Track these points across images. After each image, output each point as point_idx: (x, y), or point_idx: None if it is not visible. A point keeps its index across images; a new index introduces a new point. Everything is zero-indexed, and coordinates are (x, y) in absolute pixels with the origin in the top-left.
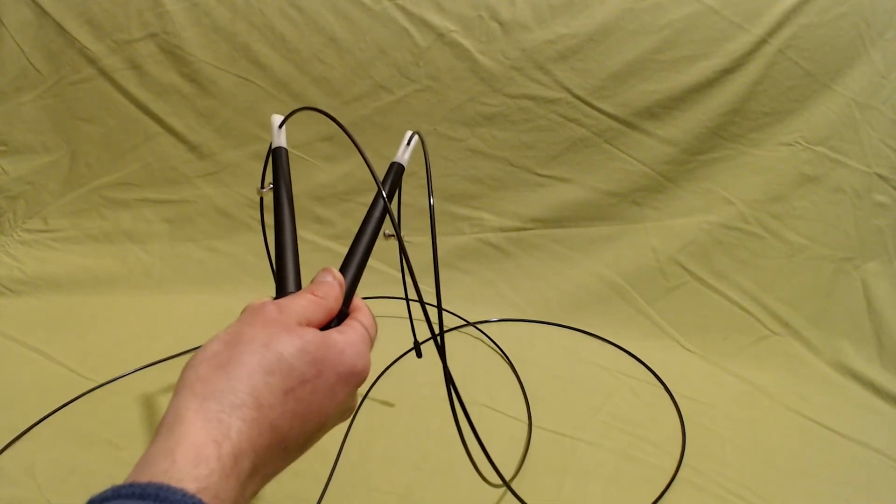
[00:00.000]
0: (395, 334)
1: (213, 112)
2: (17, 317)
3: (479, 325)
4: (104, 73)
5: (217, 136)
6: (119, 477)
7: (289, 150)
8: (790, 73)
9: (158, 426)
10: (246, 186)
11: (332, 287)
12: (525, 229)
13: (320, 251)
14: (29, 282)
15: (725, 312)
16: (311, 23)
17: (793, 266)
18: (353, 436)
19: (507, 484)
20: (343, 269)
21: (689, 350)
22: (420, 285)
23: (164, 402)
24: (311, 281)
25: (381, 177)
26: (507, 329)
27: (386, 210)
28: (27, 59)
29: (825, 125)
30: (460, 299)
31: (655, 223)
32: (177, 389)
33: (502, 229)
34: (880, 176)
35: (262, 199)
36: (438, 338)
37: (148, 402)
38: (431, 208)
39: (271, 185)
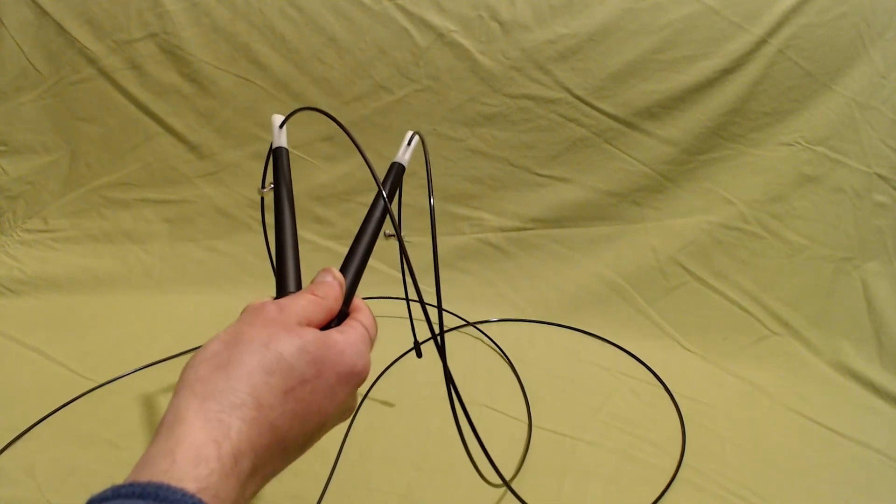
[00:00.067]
0: (395, 334)
1: (213, 112)
2: (17, 317)
3: (479, 325)
4: (104, 73)
5: (217, 136)
6: (119, 477)
7: (289, 150)
8: (790, 73)
9: (158, 426)
10: (246, 186)
11: (332, 287)
12: (525, 229)
13: (320, 251)
14: (29, 282)
15: (725, 312)
16: (311, 23)
17: (793, 266)
18: (353, 436)
19: (507, 484)
20: (343, 269)
21: (689, 350)
22: (420, 285)
23: (164, 402)
24: (312, 281)
25: (381, 177)
26: (507, 329)
27: (386, 210)
28: (27, 59)
29: (825, 125)
30: (460, 299)
31: (655, 223)
32: (177, 389)
33: (502, 229)
34: (880, 176)
35: (262, 198)
36: (438, 338)
37: (148, 402)
38: (432, 208)
39: (272, 185)
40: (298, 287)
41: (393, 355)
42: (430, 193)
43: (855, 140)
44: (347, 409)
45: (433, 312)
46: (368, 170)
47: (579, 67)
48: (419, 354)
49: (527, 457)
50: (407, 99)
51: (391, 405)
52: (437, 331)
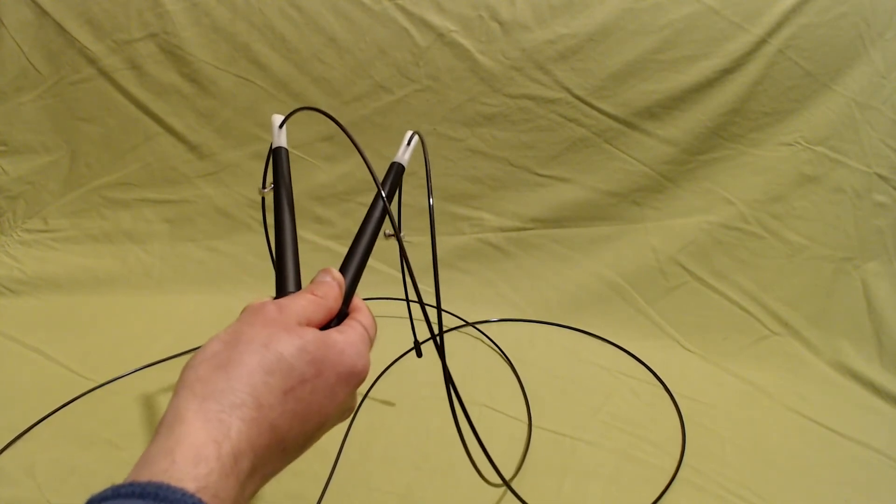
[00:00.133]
0: (395, 334)
1: (213, 112)
2: (17, 317)
3: (479, 325)
4: (104, 73)
5: (217, 136)
6: (119, 477)
7: (289, 150)
8: (790, 73)
9: (158, 426)
10: (246, 186)
11: (331, 287)
12: (525, 229)
13: (320, 251)
14: (29, 282)
15: (725, 312)
16: (311, 23)
17: (793, 266)
18: (353, 436)
19: (507, 483)
20: (343, 270)
21: (689, 350)
22: (420, 285)
23: (164, 402)
24: (311, 281)
25: (380, 177)
26: (507, 329)
27: (385, 210)
28: (27, 59)
29: (825, 125)
30: (460, 299)
31: (655, 223)
32: (176, 389)
33: (502, 229)
34: (880, 176)
35: (263, 199)
36: (438, 338)
37: (148, 402)
38: (431, 208)
39: (272, 186)
40: (298, 287)
41: (393, 355)
42: (430, 193)
43: (855, 140)
44: (347, 409)
45: (433, 313)
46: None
47: (579, 67)
48: (419, 354)
49: (527, 457)
50: (407, 99)
51: (391, 405)
52: (436, 331)
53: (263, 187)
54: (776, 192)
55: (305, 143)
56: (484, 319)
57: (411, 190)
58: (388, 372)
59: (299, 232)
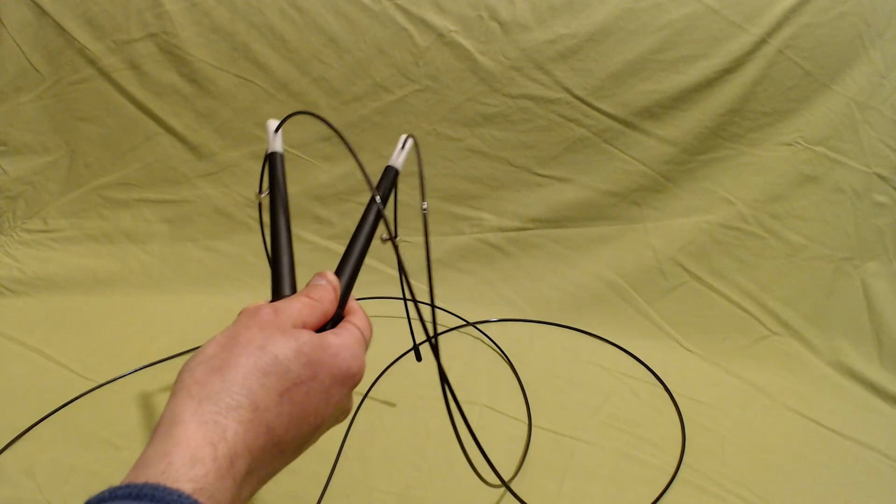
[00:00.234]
0: (395, 334)
1: (213, 112)
2: (16, 317)
3: (479, 325)
4: (104, 73)
5: (217, 136)
6: (119, 477)
7: (289, 150)
8: (790, 73)
9: (155, 428)
10: (245, 186)
11: (326, 290)
12: (525, 229)
13: (320, 251)
14: (29, 282)
15: (725, 312)
16: (311, 23)
17: (792, 266)
18: (353, 436)
19: (505, 483)
20: (338, 273)
21: (689, 350)
22: (420, 286)
23: (163, 402)
24: (307, 285)
25: (377, 179)
26: (507, 329)
27: (380, 213)
28: (27, 59)
29: (825, 125)
30: (460, 299)
31: (655, 223)
32: (173, 392)
33: (502, 229)
34: (880, 176)
35: (260, 203)
36: (435, 340)
37: (148, 402)
38: (424, 213)
39: (269, 191)
40: (294, 290)
41: (393, 355)
42: (423, 197)
43: (854, 140)
44: (343, 411)
45: (429, 314)
46: (370, 169)
47: (579, 67)
48: (419, 358)
49: (527, 457)
50: (407, 99)
51: (391, 405)
52: (430, 333)
53: (261, 192)
54: (776, 191)
55: (305, 143)
56: (484, 319)
57: (410, 190)
58: (387, 372)
59: (299, 232)
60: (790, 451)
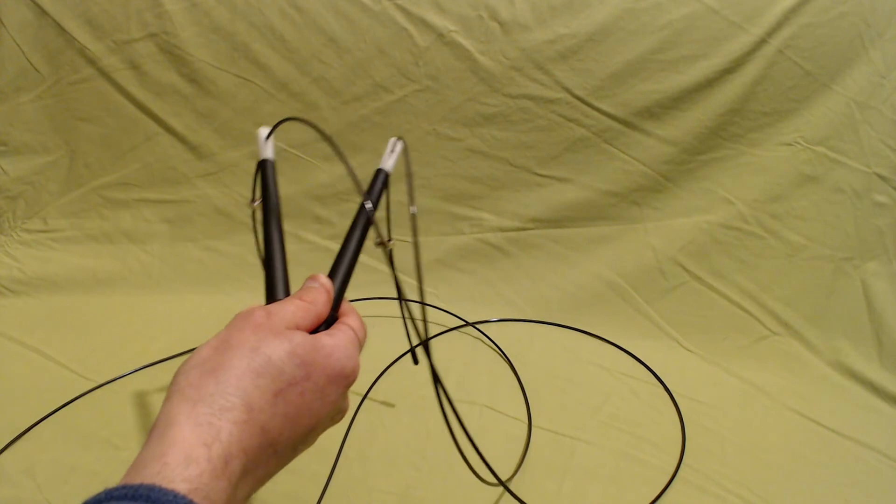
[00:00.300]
0: (394, 334)
1: (213, 112)
2: (16, 317)
3: (478, 325)
4: (104, 73)
5: (217, 136)
6: (119, 477)
7: (289, 150)
8: (790, 73)
9: (150, 431)
10: (245, 187)
11: (319, 293)
12: (525, 229)
13: (320, 251)
14: (29, 282)
15: (725, 312)
16: (311, 23)
17: (792, 266)
18: (353, 436)
19: (501, 483)
20: (331, 276)
21: (689, 350)
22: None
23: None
24: (300, 288)
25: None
26: (507, 329)
27: (370, 219)
28: (27, 59)
29: (825, 125)
30: (460, 299)
31: (655, 223)
32: (168, 395)
33: (502, 229)
34: (880, 176)
35: (253, 212)
36: (426, 341)
37: (148, 403)
38: (413, 216)
39: (262, 199)
40: (287, 294)
41: (393, 355)
42: (412, 201)
43: (854, 140)
44: (339, 411)
45: (429, 314)
46: (369, 170)
47: (579, 67)
48: (416, 361)
49: (526, 457)
50: (407, 99)
51: (391, 405)
52: (423, 337)
53: (253, 201)
54: (776, 191)
55: (305, 143)
56: (484, 319)
57: (407, 189)
58: (387, 372)
59: (299, 232)
60: (790, 451)
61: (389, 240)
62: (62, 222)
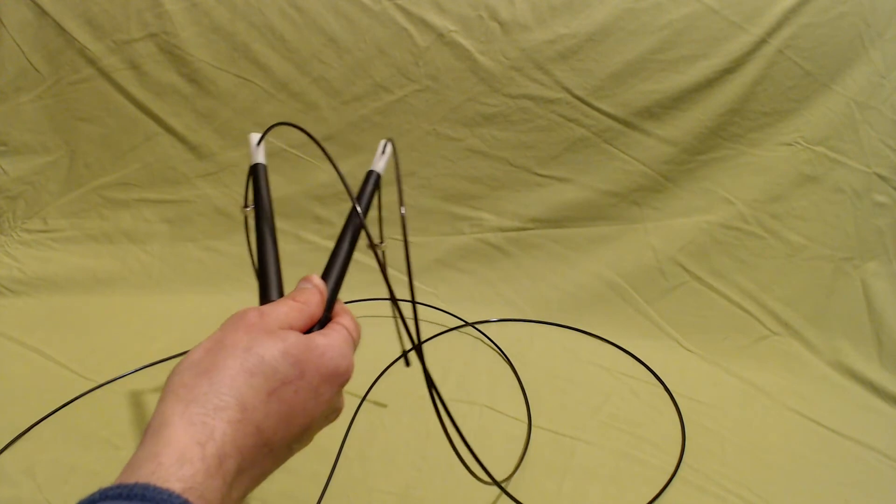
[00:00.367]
0: (393, 334)
1: (213, 112)
2: (16, 317)
3: (478, 325)
4: (104, 73)
5: (217, 137)
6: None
7: (289, 150)
8: (790, 73)
9: (144, 432)
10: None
11: (312, 293)
12: (525, 229)
13: (320, 251)
14: (29, 282)
15: (725, 312)
16: (311, 23)
17: (792, 266)
18: (352, 436)
19: (496, 483)
20: (324, 277)
21: (689, 350)
22: (420, 286)
23: None
24: (294, 289)
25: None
26: (507, 329)
27: (362, 222)
28: (27, 59)
29: (825, 125)
30: (460, 299)
31: (655, 223)
32: (162, 396)
33: (502, 229)
34: (880, 176)
35: (246, 217)
36: (418, 343)
37: (148, 402)
38: (403, 217)
39: (254, 204)
40: (281, 296)
41: (392, 355)
42: (401, 202)
43: (854, 140)
44: (334, 410)
45: (428, 314)
46: (369, 169)
47: (579, 67)
48: (407, 363)
49: (526, 456)
50: (407, 99)
51: (390, 406)
52: (414, 341)
53: (245, 206)
54: (776, 191)
55: (305, 143)
56: (484, 319)
57: (409, 190)
58: (387, 372)
59: (299, 232)
60: (790, 451)
61: (381, 241)
62: (62, 222)
